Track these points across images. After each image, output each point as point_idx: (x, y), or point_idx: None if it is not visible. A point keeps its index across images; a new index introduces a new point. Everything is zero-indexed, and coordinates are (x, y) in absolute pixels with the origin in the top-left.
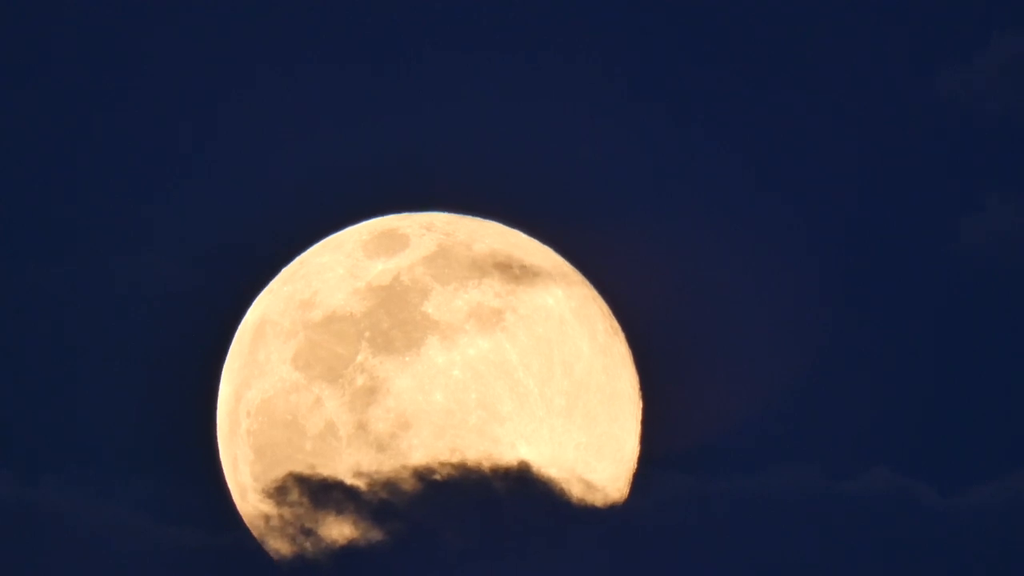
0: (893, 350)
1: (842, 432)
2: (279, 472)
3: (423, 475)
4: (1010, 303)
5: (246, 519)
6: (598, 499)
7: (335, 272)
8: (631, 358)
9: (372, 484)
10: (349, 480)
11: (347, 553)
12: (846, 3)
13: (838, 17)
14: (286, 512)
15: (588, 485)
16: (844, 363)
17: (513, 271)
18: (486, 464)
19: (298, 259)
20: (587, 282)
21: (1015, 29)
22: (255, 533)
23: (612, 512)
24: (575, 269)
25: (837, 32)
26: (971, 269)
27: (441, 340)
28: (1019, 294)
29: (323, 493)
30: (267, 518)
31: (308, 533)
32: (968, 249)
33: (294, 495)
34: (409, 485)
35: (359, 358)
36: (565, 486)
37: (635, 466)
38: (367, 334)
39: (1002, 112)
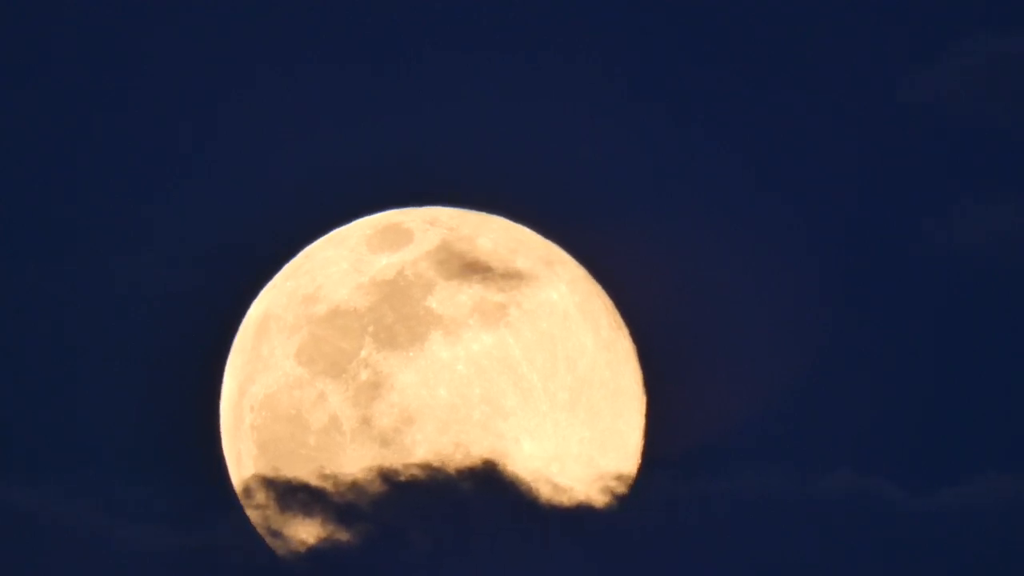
0: (892, 351)
1: (842, 432)
2: (281, 468)
3: (389, 476)
4: (994, 305)
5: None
6: (564, 499)
7: (339, 267)
8: (635, 354)
9: (338, 485)
10: (315, 482)
11: (315, 555)
12: (843, 5)
13: (838, 17)
14: (254, 515)
15: (555, 487)
16: (844, 363)
17: (516, 266)
18: (451, 466)
19: (302, 253)
20: (591, 277)
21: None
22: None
23: (581, 512)
24: (579, 264)
25: (836, 32)
26: (952, 271)
27: (445, 335)
28: (1000, 296)
29: (289, 495)
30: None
31: (275, 535)
32: (964, 249)
33: (260, 497)
34: (376, 486)
35: (363, 353)
36: (533, 486)
37: (639, 463)
38: (371, 329)
39: (1001, 112)
